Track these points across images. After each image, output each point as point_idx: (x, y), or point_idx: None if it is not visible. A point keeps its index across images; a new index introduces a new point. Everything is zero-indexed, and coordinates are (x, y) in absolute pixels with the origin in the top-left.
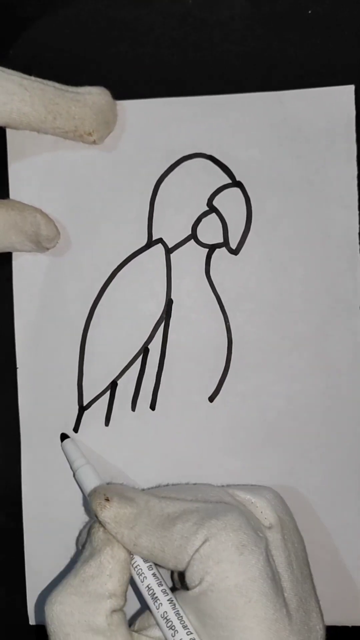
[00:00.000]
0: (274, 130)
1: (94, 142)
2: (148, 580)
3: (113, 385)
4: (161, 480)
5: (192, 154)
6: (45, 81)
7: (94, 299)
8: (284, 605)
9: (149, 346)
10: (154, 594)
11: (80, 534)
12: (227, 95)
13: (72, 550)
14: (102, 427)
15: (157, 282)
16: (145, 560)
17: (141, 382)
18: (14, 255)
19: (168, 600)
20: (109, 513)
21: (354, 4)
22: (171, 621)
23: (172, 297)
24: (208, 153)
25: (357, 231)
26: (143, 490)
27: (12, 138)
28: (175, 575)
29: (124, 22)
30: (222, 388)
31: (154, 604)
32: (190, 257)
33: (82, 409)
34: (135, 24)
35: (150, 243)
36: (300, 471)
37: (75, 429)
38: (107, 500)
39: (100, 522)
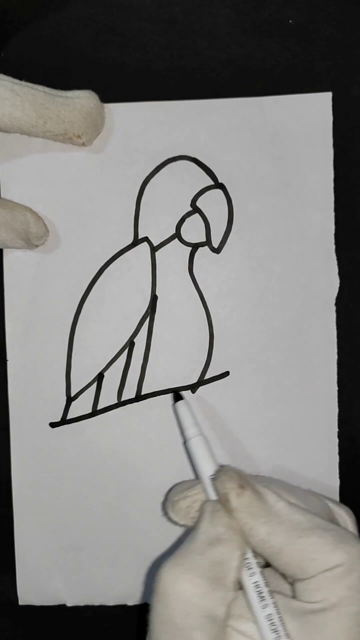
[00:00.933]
0: (255, 134)
1: (83, 144)
2: (257, 576)
3: (100, 377)
4: (147, 467)
5: (176, 156)
6: (35, 86)
7: (82, 294)
8: None
9: (135, 340)
10: (261, 592)
11: (169, 499)
12: (211, 100)
13: (59, 533)
14: (89, 417)
15: (142, 279)
16: (254, 555)
17: (127, 374)
18: (5, 252)
19: (273, 602)
20: (244, 502)
21: (333, 15)
22: (275, 625)
23: (157, 293)
24: (192, 155)
25: (333, 232)
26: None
27: (3, 138)
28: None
29: (112, 27)
30: (204, 379)
31: (259, 602)
32: (174, 255)
33: (69, 399)
34: (123, 30)
35: (136, 241)
36: (277, 457)
37: (63, 419)
38: (242, 487)
39: (228, 508)
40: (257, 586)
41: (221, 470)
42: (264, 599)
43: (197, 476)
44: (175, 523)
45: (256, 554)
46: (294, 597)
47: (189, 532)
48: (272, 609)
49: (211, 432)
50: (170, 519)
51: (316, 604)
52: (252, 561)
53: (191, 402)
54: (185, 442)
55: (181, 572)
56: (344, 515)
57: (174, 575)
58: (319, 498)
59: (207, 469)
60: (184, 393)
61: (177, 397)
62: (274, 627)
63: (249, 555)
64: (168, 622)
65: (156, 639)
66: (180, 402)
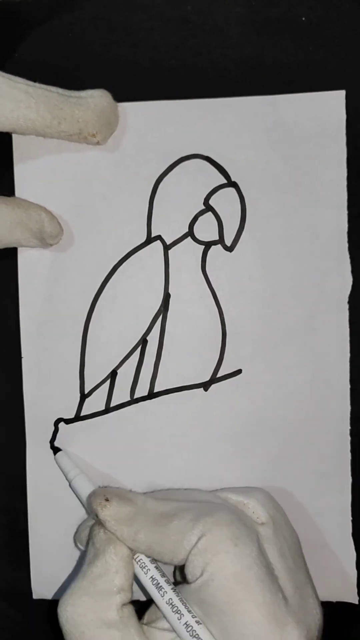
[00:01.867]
0: (268, 133)
1: (98, 143)
2: (151, 572)
3: (113, 374)
4: (160, 464)
5: (189, 154)
6: (49, 87)
7: (95, 292)
8: (280, 590)
9: (148, 337)
10: (158, 583)
11: (77, 531)
12: (224, 99)
13: (73, 529)
14: (102, 413)
15: (155, 277)
16: (147, 555)
17: (140, 372)
18: (20, 251)
19: (172, 588)
20: (109, 512)
21: (346, 13)
22: (176, 606)
23: (169, 291)
24: (205, 154)
25: (346, 230)
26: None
27: (18, 139)
28: (177, 574)
29: (124, 27)
30: (216, 377)
31: (158, 592)
32: (187, 254)
33: (83, 396)
34: (136, 29)
35: (150, 240)
36: (288, 455)
37: (77, 416)
38: (107, 500)
39: (100, 522)
40: (153, 579)
41: (90, 493)
42: (161, 588)
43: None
44: (82, 551)
45: None
46: (186, 582)
47: None
48: (171, 594)
49: (223, 430)
50: (78, 548)
51: (198, 580)
52: (145, 560)
53: (204, 400)
54: (69, 485)
55: (66, 599)
56: (245, 500)
57: (62, 604)
58: (211, 493)
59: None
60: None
61: (56, 450)
62: (175, 609)
63: (141, 555)
64: None
65: None
66: (59, 454)
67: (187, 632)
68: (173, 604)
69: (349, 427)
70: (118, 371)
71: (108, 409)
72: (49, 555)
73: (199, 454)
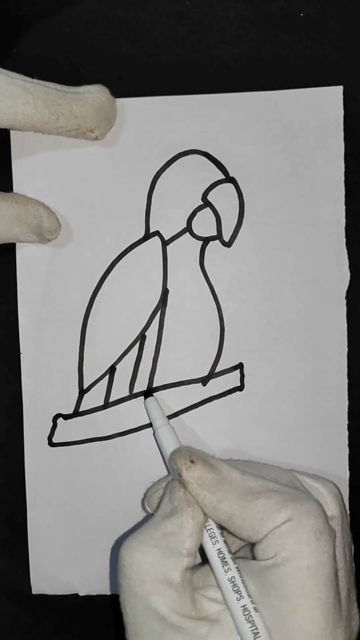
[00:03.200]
0: (266, 128)
1: (96, 138)
2: (220, 544)
3: (112, 370)
4: (158, 458)
5: (188, 150)
6: (47, 83)
7: (94, 288)
8: (339, 593)
9: (146, 333)
10: (224, 558)
11: (147, 495)
12: (222, 95)
13: (71, 524)
14: (101, 409)
15: (154, 273)
16: (218, 526)
17: (138, 367)
18: (18, 246)
19: (236, 567)
20: (193, 474)
21: (344, 8)
22: (237, 586)
23: (168, 286)
24: (203, 150)
25: (344, 225)
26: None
27: (16, 135)
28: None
29: (123, 22)
30: (215, 372)
31: (222, 567)
32: (185, 249)
33: (82, 392)
34: (135, 24)
35: (148, 235)
36: (286, 449)
37: (76, 411)
38: (192, 462)
39: (182, 482)
40: (220, 552)
41: (174, 450)
42: (226, 564)
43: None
44: (150, 514)
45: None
46: (253, 557)
47: None
48: (234, 572)
49: (221, 424)
50: (146, 512)
51: (269, 560)
52: (215, 531)
53: (203, 395)
54: (154, 434)
55: (136, 544)
56: (321, 489)
57: (129, 548)
58: (287, 472)
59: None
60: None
61: (147, 394)
62: (235, 589)
63: (212, 525)
64: (129, 591)
65: (123, 608)
66: (149, 399)
67: (244, 615)
68: (235, 582)
69: (347, 422)
70: (117, 366)
71: (107, 405)
72: (48, 549)
73: (196, 446)
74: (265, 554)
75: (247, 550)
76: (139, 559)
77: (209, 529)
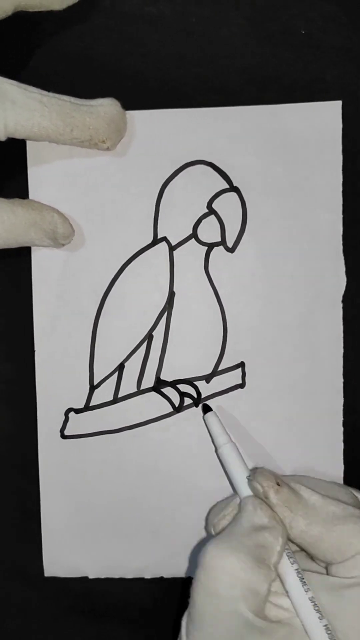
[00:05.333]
0: (268, 140)
1: (107, 149)
2: (296, 564)
3: (121, 367)
4: (164, 449)
5: (194, 160)
6: (62, 96)
7: (104, 290)
8: None
9: (153, 333)
10: (302, 578)
11: (210, 517)
12: (226, 108)
13: (82, 511)
14: (110, 404)
15: (161, 276)
16: (305, 548)
17: (146, 365)
18: (33, 250)
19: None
20: (282, 497)
21: (343, 26)
22: (318, 607)
23: (174, 289)
24: (208, 160)
25: (341, 233)
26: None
27: (31, 144)
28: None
29: (133, 38)
30: (217, 370)
31: (302, 586)
32: (191, 254)
33: (92, 388)
34: (144, 40)
35: (156, 241)
36: (283, 444)
37: (86, 406)
38: (279, 485)
39: (269, 504)
40: (299, 573)
41: (257, 472)
42: (305, 584)
43: (231, 480)
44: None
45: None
46: (329, 574)
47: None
48: (312, 593)
49: (224, 420)
50: (208, 533)
51: (353, 579)
52: (291, 551)
53: (206, 392)
54: (217, 450)
55: (228, 548)
56: None
57: (221, 551)
58: (345, 488)
59: (242, 472)
60: (212, 406)
61: (206, 409)
62: (317, 609)
63: (289, 546)
64: (213, 594)
65: (200, 610)
66: (209, 414)
67: (327, 634)
68: (315, 602)
69: (342, 418)
70: (125, 364)
71: (116, 400)
72: (60, 535)
73: (200, 441)
74: (349, 573)
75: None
76: (232, 564)
77: (286, 549)
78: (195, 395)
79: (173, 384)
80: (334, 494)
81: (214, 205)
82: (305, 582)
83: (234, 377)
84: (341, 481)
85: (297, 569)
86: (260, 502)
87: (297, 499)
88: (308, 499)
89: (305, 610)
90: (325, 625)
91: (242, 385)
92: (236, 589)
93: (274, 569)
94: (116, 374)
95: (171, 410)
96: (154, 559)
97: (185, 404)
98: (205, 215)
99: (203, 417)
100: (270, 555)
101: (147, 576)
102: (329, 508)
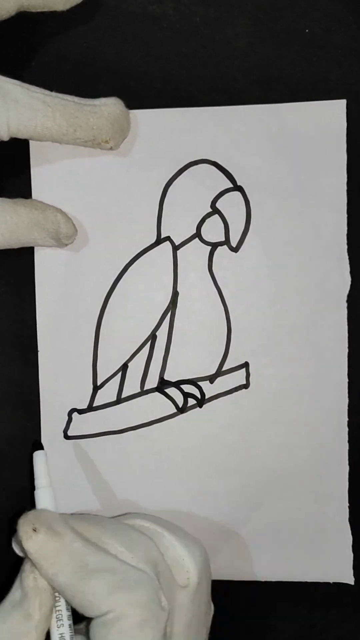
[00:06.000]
0: (272, 139)
1: (111, 149)
2: (63, 628)
3: (124, 367)
4: (167, 448)
5: (197, 160)
6: (65, 96)
7: (107, 290)
8: None
9: (157, 333)
10: None
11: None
12: (230, 107)
13: (85, 511)
14: (113, 404)
15: (164, 276)
16: (67, 609)
17: (149, 365)
18: (36, 250)
19: None
20: (33, 544)
21: (348, 25)
22: None
23: (178, 289)
24: (212, 159)
25: (345, 232)
26: (73, 518)
27: (34, 144)
28: None
29: (137, 37)
30: (222, 371)
31: None
32: (195, 254)
33: (96, 387)
34: (148, 40)
35: (159, 240)
36: (289, 444)
37: (90, 406)
38: (35, 530)
39: (23, 552)
40: (62, 637)
41: (22, 516)
42: None
43: None
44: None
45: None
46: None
47: None
48: None
49: (226, 420)
50: (15, 552)
51: None
52: (63, 612)
53: (210, 392)
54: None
55: None
56: (184, 555)
57: None
58: (149, 539)
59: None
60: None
61: (36, 446)
62: None
63: (62, 606)
64: None
65: None
66: (39, 452)
67: None
68: None
69: (347, 419)
70: (129, 364)
71: (119, 400)
72: None
73: (203, 441)
74: (94, 638)
75: None
76: None
77: (58, 610)
78: (199, 395)
79: (177, 385)
80: (126, 543)
81: (217, 205)
82: None
83: (238, 377)
84: (346, 482)
85: (60, 634)
86: (25, 570)
87: (54, 544)
88: (68, 545)
89: None
90: None
91: (246, 386)
92: None
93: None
94: (119, 374)
95: (175, 410)
96: None
97: (189, 404)
98: (209, 215)
99: (32, 454)
100: (25, 633)
101: None
102: (86, 558)
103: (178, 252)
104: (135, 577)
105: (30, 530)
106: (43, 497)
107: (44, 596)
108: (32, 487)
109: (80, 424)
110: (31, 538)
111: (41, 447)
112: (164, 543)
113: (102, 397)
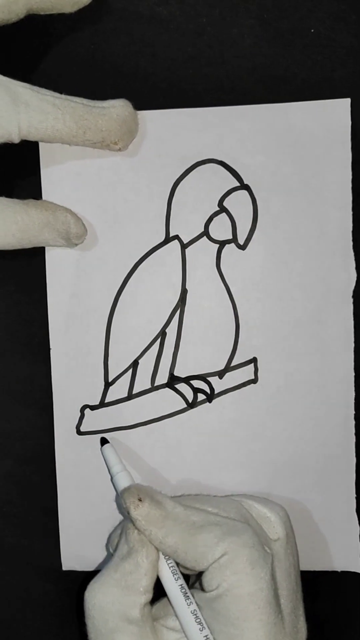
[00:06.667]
0: (278, 138)
1: (119, 150)
2: (181, 580)
3: (135, 364)
4: (177, 443)
5: (205, 159)
6: (74, 98)
7: (118, 288)
8: (280, 611)
9: (167, 330)
10: (186, 592)
11: (109, 539)
12: (237, 107)
13: (99, 506)
14: (124, 400)
15: (173, 274)
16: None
17: (159, 361)
18: (47, 250)
19: (195, 600)
20: (141, 512)
21: (352, 24)
22: (200, 618)
23: (187, 287)
24: (219, 159)
25: (350, 229)
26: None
27: (44, 146)
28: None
29: (143, 38)
30: (230, 366)
31: (185, 600)
32: (203, 252)
33: (107, 384)
34: (154, 41)
35: (168, 239)
36: (297, 437)
37: (101, 402)
38: (140, 500)
39: (131, 520)
40: (182, 588)
41: (124, 489)
42: (188, 598)
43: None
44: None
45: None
46: (202, 589)
47: None
48: (195, 605)
49: (235, 414)
50: (110, 552)
51: (214, 591)
52: (176, 567)
53: (219, 388)
54: (111, 480)
55: (97, 587)
56: (268, 514)
57: (92, 590)
58: (235, 502)
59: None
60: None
61: (103, 442)
62: (198, 620)
63: (173, 562)
64: (94, 631)
65: None
66: (106, 445)
67: None
68: (197, 615)
69: (353, 412)
70: (139, 361)
71: (130, 396)
72: (77, 529)
73: (213, 435)
74: (210, 586)
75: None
76: (101, 600)
77: (171, 566)
78: (208, 391)
79: (186, 380)
80: (217, 506)
81: (225, 203)
82: (188, 596)
83: (247, 372)
84: (353, 474)
85: (180, 585)
86: (128, 527)
87: (158, 511)
88: (171, 510)
89: (189, 625)
90: (206, 637)
91: (254, 381)
92: (109, 622)
93: (145, 591)
94: (130, 371)
95: (185, 406)
96: None
97: (198, 399)
98: (216, 213)
99: (100, 449)
100: (137, 580)
101: None
102: (190, 518)
103: (186, 250)
104: (239, 526)
105: (136, 500)
106: (123, 479)
107: (148, 548)
108: (54, 484)
109: (93, 419)
110: (138, 507)
111: (107, 442)
112: (244, 504)
113: (113, 394)
